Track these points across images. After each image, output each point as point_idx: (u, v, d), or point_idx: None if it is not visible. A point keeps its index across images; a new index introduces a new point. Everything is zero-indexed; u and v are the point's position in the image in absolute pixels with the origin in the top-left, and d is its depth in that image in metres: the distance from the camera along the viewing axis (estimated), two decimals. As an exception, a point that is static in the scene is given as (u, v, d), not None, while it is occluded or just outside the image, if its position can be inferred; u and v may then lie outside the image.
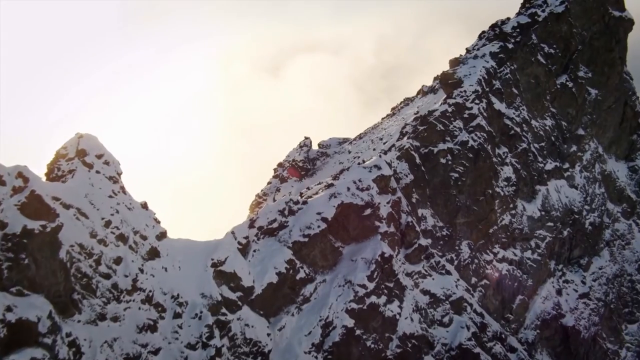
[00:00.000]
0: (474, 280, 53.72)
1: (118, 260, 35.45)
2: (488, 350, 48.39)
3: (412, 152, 52.71)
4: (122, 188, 38.15)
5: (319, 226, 44.85)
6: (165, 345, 35.93)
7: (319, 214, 45.37)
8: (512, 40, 61.49)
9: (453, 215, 53.93)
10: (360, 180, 47.57)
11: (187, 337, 36.73)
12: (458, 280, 51.03)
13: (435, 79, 79.43)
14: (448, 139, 54.10)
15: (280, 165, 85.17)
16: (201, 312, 37.65)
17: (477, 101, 55.82)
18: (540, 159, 62.37)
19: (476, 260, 54.48)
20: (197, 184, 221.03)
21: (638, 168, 74.94)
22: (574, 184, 65.79)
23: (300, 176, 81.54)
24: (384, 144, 67.82)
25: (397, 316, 44.92)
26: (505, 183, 57.95)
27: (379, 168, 48.73)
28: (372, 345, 42.89)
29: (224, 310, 38.69)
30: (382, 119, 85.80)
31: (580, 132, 67.87)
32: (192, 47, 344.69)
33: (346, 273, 44.48)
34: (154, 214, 39.98)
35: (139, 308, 35.61)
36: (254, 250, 43.36)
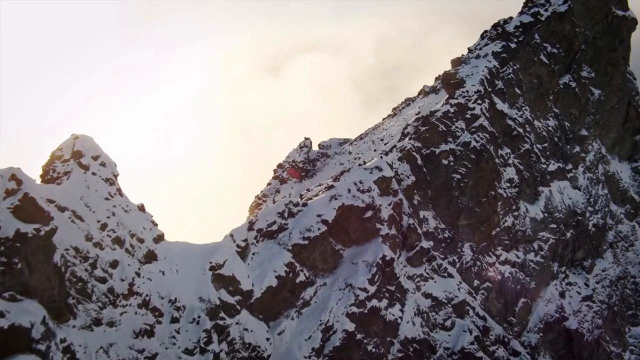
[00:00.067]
0: (476, 283, 53.10)
1: (114, 264, 34.77)
2: (491, 354, 47.75)
3: (414, 153, 52.02)
4: (119, 190, 37.50)
5: (319, 229, 44.17)
6: (163, 351, 35.24)
7: (319, 216, 44.70)
8: (515, 40, 60.84)
9: (455, 217, 53.27)
10: (361, 182, 46.90)
11: (185, 342, 36.05)
12: (460, 283, 50.37)
13: (436, 78, 78.85)
14: (450, 139, 53.44)
15: (280, 166, 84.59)
16: (199, 316, 36.98)
17: (479, 101, 55.18)
18: (543, 160, 61.74)
19: (478, 263, 53.85)
20: (196, 184, 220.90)
21: (641, 169, 74.34)
22: (577, 185, 65.17)
23: (300, 177, 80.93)
24: (385, 144, 67.21)
25: (399, 320, 44.26)
26: (508, 184, 57.31)
27: (380, 169, 48.06)
28: (373, 350, 42.22)
29: (222, 314, 38.01)
30: (383, 119, 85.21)
31: (584, 132, 67.26)
32: (192, 47, 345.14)
33: (347, 276, 43.82)
34: (151, 216, 39.37)
35: (136, 313, 34.94)
36: (253, 253, 42.67)
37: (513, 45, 60.46)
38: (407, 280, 46.82)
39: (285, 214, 45.04)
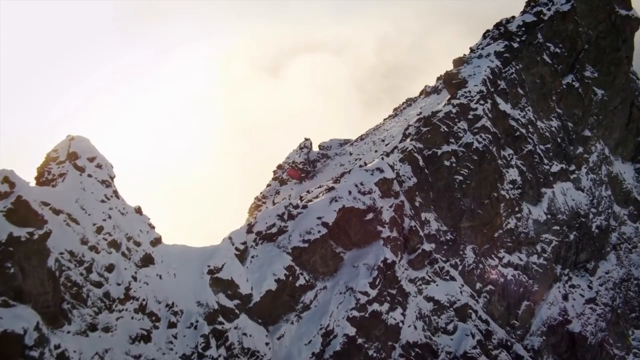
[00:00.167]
0: (478, 285, 52.43)
1: (110, 268, 34.00)
2: (494, 358, 47.09)
3: (415, 154, 51.30)
4: (115, 192, 36.71)
5: (319, 231, 43.40)
6: (160, 356, 34.46)
7: (319, 218, 43.95)
8: (518, 40, 60.18)
9: (457, 219, 52.57)
10: (361, 184, 46.20)
11: (182, 347, 35.30)
12: (462, 286, 49.69)
13: (438, 79, 78.26)
14: (452, 140, 52.74)
15: (280, 167, 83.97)
16: (197, 321, 36.21)
17: (481, 102, 54.49)
18: (546, 161, 61.05)
19: (481, 265, 53.18)
20: (196, 184, 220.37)
21: (645, 170, 73.66)
22: (580, 187, 64.50)
23: (300, 178, 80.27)
24: (386, 145, 66.59)
25: (400, 324, 43.53)
26: (511, 186, 56.63)
27: (381, 171, 47.34)
28: (375, 354, 41.50)
29: (220, 319, 37.25)
30: (384, 119, 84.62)
31: (587, 133, 66.61)
32: (192, 47, 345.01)
33: (347, 279, 43.11)
34: (149, 219, 38.59)
35: (132, 317, 34.16)
36: (252, 257, 41.92)
37: (516, 45, 59.78)
38: (409, 284, 46.12)
39: (285, 216, 44.34)
